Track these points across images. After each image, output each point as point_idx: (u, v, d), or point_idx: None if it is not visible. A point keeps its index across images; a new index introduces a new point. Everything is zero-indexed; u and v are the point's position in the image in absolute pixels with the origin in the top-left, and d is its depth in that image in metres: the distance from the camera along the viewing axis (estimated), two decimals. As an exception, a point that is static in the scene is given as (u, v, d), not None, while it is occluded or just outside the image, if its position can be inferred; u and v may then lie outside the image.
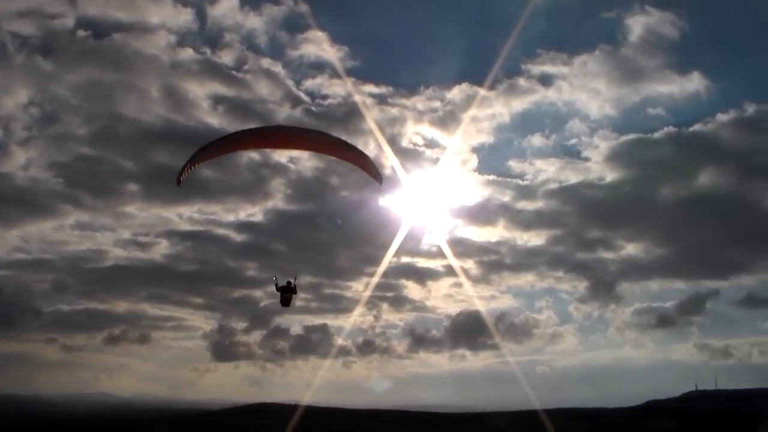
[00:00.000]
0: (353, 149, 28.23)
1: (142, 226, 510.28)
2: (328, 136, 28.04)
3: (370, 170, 28.44)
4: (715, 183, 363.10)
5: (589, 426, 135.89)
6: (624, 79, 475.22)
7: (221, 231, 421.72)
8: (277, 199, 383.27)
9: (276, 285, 29.38)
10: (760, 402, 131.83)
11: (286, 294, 29.59)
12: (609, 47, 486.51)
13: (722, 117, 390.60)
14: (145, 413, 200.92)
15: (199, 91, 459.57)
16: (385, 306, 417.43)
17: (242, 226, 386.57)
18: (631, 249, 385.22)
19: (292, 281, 29.68)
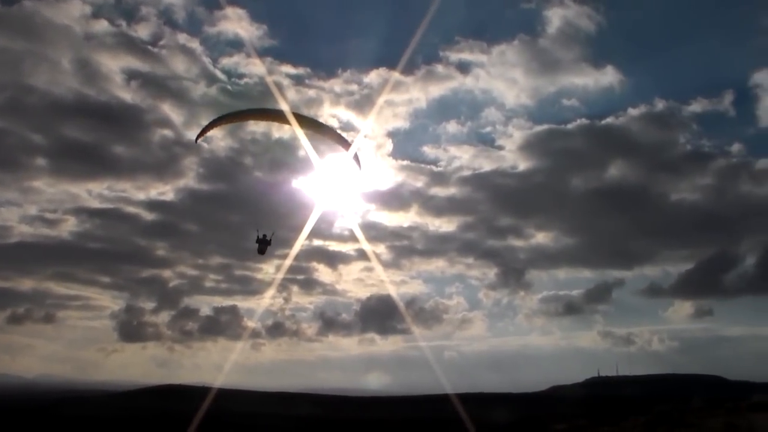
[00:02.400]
0: (344, 139, 31.42)
1: (50, 201, 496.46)
2: (328, 128, 31.71)
3: (355, 159, 31.29)
4: (624, 176, 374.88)
5: (495, 410, 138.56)
6: (541, 70, 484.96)
7: (131, 209, 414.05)
8: (190, 178, 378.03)
9: (257, 237, 33.31)
10: (658, 387, 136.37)
11: (262, 245, 33.46)
12: (527, 38, 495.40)
13: (633, 111, 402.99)
14: (48, 395, 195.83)
15: (113, 64, 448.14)
16: (295, 289, 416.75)
17: (153, 205, 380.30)
18: (541, 238, 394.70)
19: (268, 235, 33.44)
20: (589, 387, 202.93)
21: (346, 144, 31.27)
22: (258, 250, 33.55)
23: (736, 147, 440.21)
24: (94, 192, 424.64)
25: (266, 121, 32.21)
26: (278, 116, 31.43)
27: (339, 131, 32.04)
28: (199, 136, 32.44)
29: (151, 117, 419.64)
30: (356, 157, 31.28)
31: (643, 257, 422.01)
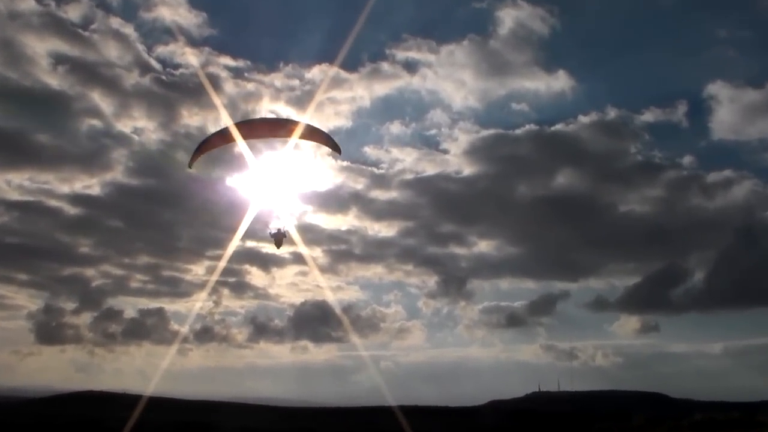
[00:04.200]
0: (313, 129, 31.92)
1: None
2: (298, 123, 31.86)
3: (330, 143, 32.14)
4: (571, 184, 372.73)
5: (430, 424, 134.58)
6: (490, 72, 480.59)
7: (54, 202, 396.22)
8: (118, 172, 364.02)
9: (270, 232, 33.72)
10: (600, 403, 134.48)
11: (278, 238, 33.83)
12: (478, 38, 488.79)
13: (584, 119, 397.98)
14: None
15: (39, 47, 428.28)
16: (226, 292, 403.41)
17: (77, 199, 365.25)
18: (484, 246, 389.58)
19: (282, 228, 33.81)
20: (530, 401, 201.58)
21: (335, 145, 32.19)
22: (276, 244, 34.17)
23: (687, 159, 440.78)
24: (13, 183, 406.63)
25: (269, 137, 31.83)
26: (281, 128, 31.72)
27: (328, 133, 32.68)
28: (191, 161, 32.33)
29: (79, 105, 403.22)
30: (333, 142, 32.22)
31: (590, 269, 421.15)
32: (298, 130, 31.22)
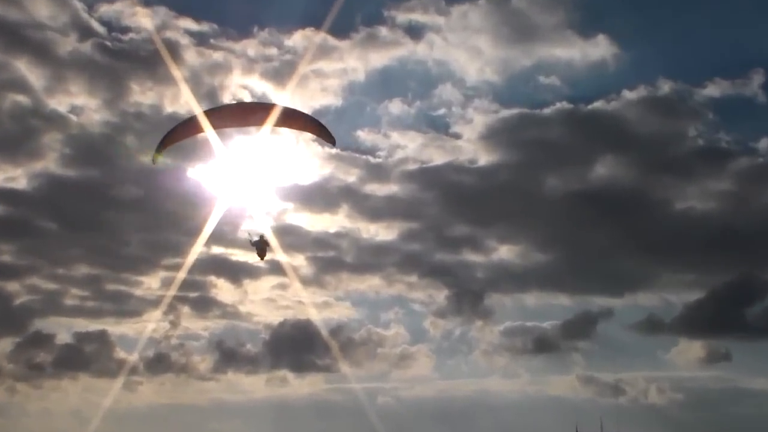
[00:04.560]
0: (303, 116, 28.99)
1: None
2: (285, 108, 28.21)
3: (322, 132, 28.61)
4: (614, 176, 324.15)
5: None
6: (513, 38, 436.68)
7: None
8: (51, 161, 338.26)
9: (250, 240, 30.66)
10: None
11: (260, 247, 30.62)
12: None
13: (630, 94, 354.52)
14: None
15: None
16: (186, 310, 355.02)
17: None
18: (505, 252, 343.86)
19: (255, 235, 30.59)
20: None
21: (329, 136, 28.52)
22: (259, 254, 30.99)
23: (764, 143, 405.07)
24: None
25: (248, 125, 28.00)
26: (259, 115, 27.63)
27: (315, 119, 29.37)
28: (156, 153, 28.37)
29: (1, 77, 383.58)
30: (326, 131, 28.34)
31: (638, 281, 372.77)
32: (282, 117, 27.56)
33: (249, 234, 30.56)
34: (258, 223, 31.02)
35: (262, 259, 30.97)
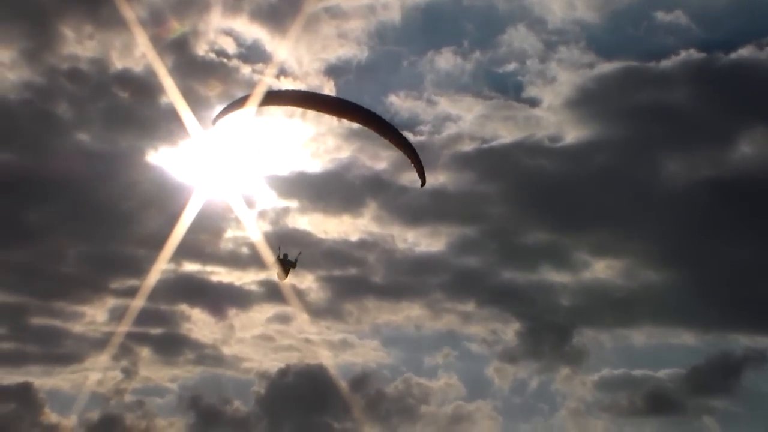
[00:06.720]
0: (406, 141, 26.06)
1: None
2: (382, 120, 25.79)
3: (417, 169, 25.87)
4: (763, 156, 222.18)
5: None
6: None
7: None
8: None
9: (277, 256, 28.60)
10: None
11: (285, 267, 28.62)
12: None
13: None
14: None
15: None
16: (146, 353, 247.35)
17: None
18: (602, 269, 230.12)
19: (292, 254, 28.54)
20: None
21: (420, 175, 25.54)
22: (278, 275, 29.45)
23: None
24: None
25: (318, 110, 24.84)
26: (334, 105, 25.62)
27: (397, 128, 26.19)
28: (216, 118, 24.29)
29: None
30: (419, 166, 25.55)
31: None
32: (384, 129, 25.00)
33: (279, 249, 28.35)
34: (288, 246, 28.32)
35: (283, 279, 28.97)
